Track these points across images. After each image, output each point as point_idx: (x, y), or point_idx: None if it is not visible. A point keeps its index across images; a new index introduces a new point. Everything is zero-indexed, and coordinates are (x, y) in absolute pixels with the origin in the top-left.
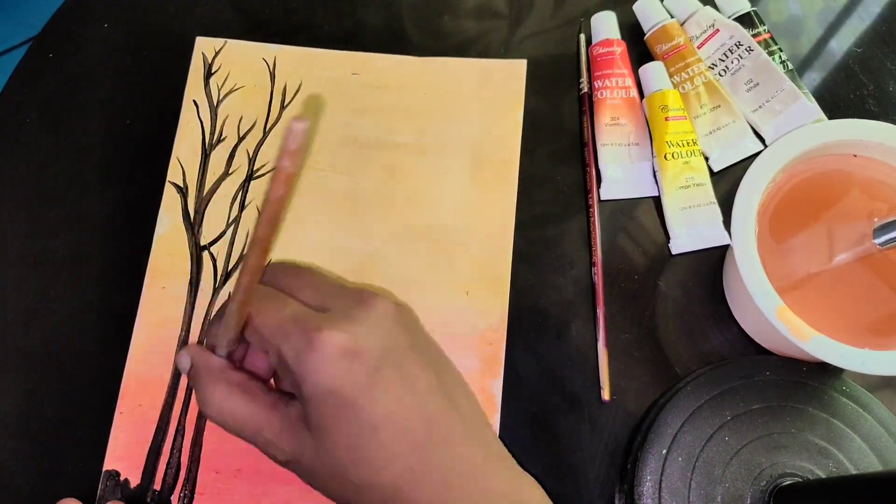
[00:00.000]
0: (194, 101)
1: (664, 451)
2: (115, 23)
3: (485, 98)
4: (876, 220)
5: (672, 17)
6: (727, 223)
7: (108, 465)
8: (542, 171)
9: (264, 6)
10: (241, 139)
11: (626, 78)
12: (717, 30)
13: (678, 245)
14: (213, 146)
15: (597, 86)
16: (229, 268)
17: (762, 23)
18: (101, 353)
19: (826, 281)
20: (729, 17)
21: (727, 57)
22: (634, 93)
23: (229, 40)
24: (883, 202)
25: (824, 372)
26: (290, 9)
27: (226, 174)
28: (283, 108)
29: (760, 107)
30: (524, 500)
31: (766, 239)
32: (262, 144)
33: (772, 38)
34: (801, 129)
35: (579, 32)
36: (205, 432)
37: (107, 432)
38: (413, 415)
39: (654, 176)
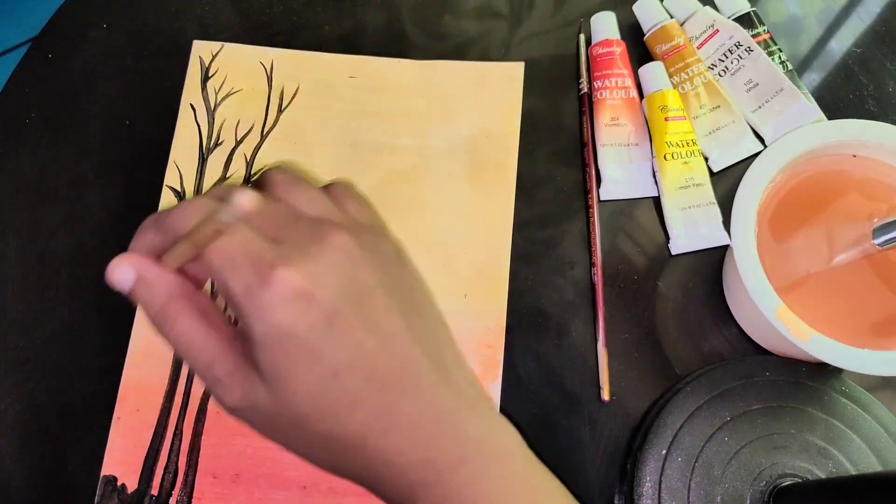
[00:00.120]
0: (191, 105)
1: (664, 452)
2: (114, 23)
3: (482, 101)
4: (875, 220)
5: (672, 17)
6: (727, 223)
7: (105, 471)
8: (542, 172)
9: (265, 6)
10: (238, 143)
11: (625, 78)
12: (717, 30)
13: (678, 245)
14: (210, 150)
15: (596, 86)
16: None
17: (762, 23)
18: (100, 353)
19: (826, 281)
20: (728, 18)
21: (727, 57)
22: (634, 93)
23: (226, 44)
24: (882, 202)
25: (824, 372)
26: (291, 9)
27: (223, 178)
28: (280, 111)
29: (760, 107)
30: (498, 443)
31: (765, 239)
32: (259, 148)
33: (771, 38)
34: (801, 130)
35: (579, 33)
36: (203, 437)
37: (106, 433)
38: (377, 360)
39: (654, 176)
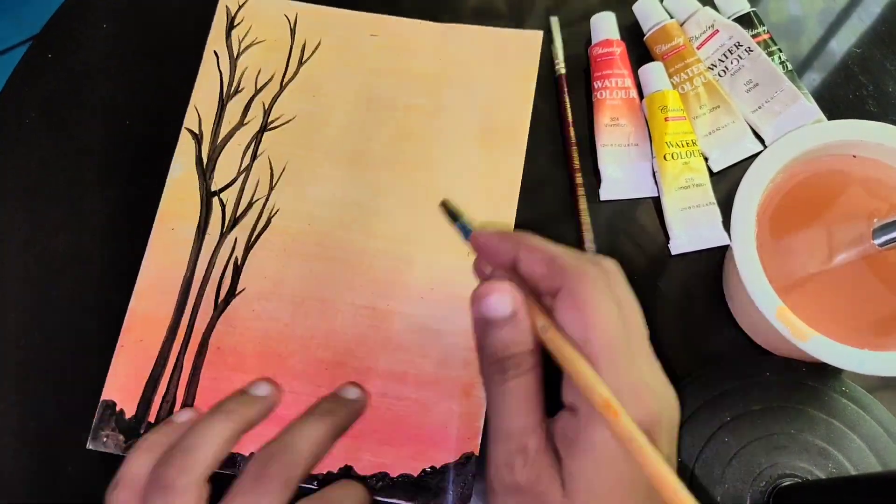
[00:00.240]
0: (215, 52)
1: None
2: (115, 22)
3: (500, 66)
4: (875, 220)
5: (672, 17)
6: (727, 224)
7: (105, 395)
8: (542, 172)
9: None
10: (257, 91)
11: (625, 78)
12: (717, 30)
13: (678, 245)
14: (230, 97)
15: (596, 86)
16: (237, 214)
17: (762, 23)
18: (99, 352)
19: (825, 281)
20: (728, 18)
21: (727, 57)
22: (634, 93)
23: None
24: (882, 202)
25: (824, 373)
26: None
27: (241, 124)
28: (300, 64)
29: (760, 107)
30: None
31: (765, 239)
32: (277, 98)
33: (771, 38)
34: (801, 130)
35: (549, 16)
36: (202, 370)
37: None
38: None
39: (654, 176)
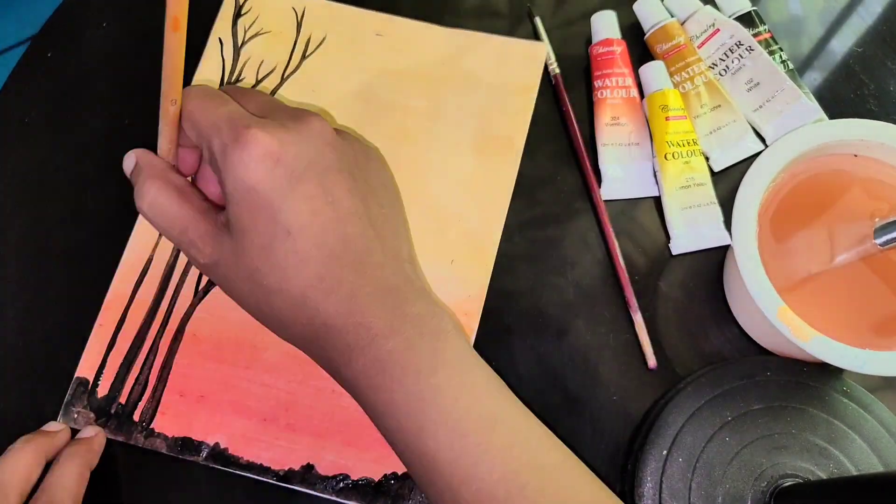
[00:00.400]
0: (220, 39)
1: (664, 452)
2: (114, 21)
3: (501, 75)
4: (877, 220)
5: (672, 16)
6: (728, 223)
7: (79, 372)
8: (542, 172)
9: None
10: (258, 81)
11: (626, 77)
12: (718, 29)
13: (678, 245)
14: (230, 84)
15: (597, 85)
16: None
17: (763, 22)
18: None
19: (827, 281)
20: (729, 17)
21: (727, 56)
22: (635, 92)
23: None
24: (884, 202)
25: (825, 372)
26: None
27: None
28: (304, 58)
29: (761, 106)
30: (436, 325)
31: (766, 239)
32: (277, 90)
33: (772, 37)
34: (802, 129)
35: (531, 17)
36: (176, 356)
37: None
38: (330, 230)
39: (655, 176)
